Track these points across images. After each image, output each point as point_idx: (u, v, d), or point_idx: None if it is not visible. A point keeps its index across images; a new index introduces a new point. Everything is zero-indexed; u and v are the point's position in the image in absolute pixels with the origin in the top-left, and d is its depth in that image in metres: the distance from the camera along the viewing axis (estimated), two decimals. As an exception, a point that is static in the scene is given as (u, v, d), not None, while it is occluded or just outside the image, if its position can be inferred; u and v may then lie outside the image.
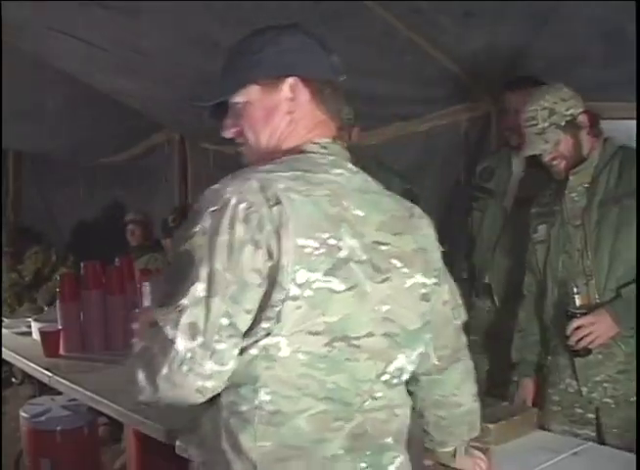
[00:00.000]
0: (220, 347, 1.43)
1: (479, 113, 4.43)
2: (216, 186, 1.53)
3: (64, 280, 4.01)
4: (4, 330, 4.48)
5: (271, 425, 1.51)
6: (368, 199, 1.63)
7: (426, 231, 1.75)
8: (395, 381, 1.66)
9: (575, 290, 2.79)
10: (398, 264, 1.63)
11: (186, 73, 4.36)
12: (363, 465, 1.60)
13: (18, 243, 7.14)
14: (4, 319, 4.82)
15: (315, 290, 1.48)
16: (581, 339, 2.76)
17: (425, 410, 1.97)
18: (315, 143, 1.68)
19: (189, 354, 1.42)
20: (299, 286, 1.46)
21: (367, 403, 1.60)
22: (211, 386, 1.46)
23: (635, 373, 2.76)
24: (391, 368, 1.63)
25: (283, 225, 1.46)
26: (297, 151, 1.67)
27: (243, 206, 1.46)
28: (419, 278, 1.68)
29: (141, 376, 1.46)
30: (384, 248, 1.61)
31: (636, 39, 3.01)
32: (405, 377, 1.69)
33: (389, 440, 1.65)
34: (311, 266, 1.47)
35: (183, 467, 2.31)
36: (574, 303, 2.79)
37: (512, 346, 3.19)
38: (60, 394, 3.90)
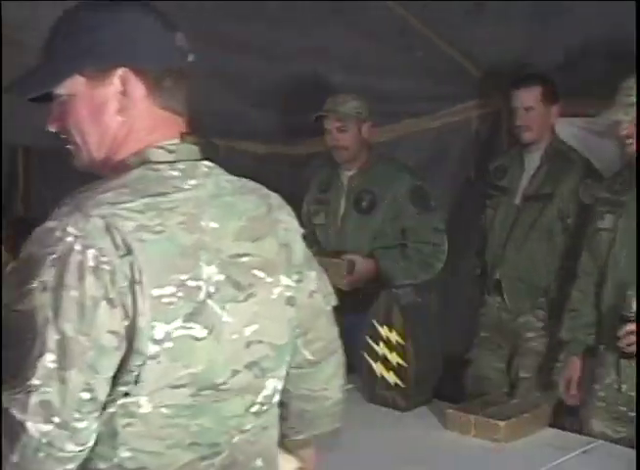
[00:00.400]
0: (81, 425, 1.22)
1: (489, 109, 4.45)
2: (50, 224, 1.26)
3: None
4: None
5: None
6: (222, 204, 1.41)
7: (287, 224, 1.54)
8: (266, 407, 1.49)
9: (632, 293, 2.74)
10: (261, 275, 1.44)
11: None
12: None
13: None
14: None
15: (175, 340, 1.28)
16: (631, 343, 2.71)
17: (290, 402, 1.76)
18: (159, 147, 1.39)
19: (44, 439, 1.20)
20: (158, 342, 1.26)
21: (235, 439, 1.43)
22: (73, 467, 1.25)
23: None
24: (260, 398, 1.47)
25: (136, 280, 1.24)
26: (139, 159, 1.38)
27: (91, 253, 1.22)
28: (283, 281, 1.49)
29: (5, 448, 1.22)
30: (244, 260, 1.42)
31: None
32: (277, 398, 1.54)
33: (259, 462, 1.50)
34: (169, 317, 1.27)
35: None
36: (630, 306, 2.73)
37: (562, 325, 3.16)
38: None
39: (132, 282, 1.23)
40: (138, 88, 1.40)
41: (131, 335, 1.24)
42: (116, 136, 1.41)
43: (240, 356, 1.40)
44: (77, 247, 1.21)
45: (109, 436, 1.29)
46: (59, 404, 1.19)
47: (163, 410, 1.30)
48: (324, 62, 4.00)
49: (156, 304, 1.25)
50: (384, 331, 2.93)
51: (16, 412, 1.19)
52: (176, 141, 1.41)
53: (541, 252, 3.52)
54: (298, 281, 1.55)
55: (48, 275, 1.20)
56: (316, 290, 1.65)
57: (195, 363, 1.31)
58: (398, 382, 2.90)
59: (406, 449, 2.55)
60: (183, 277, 1.29)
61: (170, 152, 1.39)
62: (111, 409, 1.28)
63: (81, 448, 1.24)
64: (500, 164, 3.79)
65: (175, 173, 1.37)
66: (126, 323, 1.24)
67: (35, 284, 1.20)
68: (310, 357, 1.72)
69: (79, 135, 1.42)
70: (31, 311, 1.20)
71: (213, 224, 1.37)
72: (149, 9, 1.42)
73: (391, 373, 2.91)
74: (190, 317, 1.29)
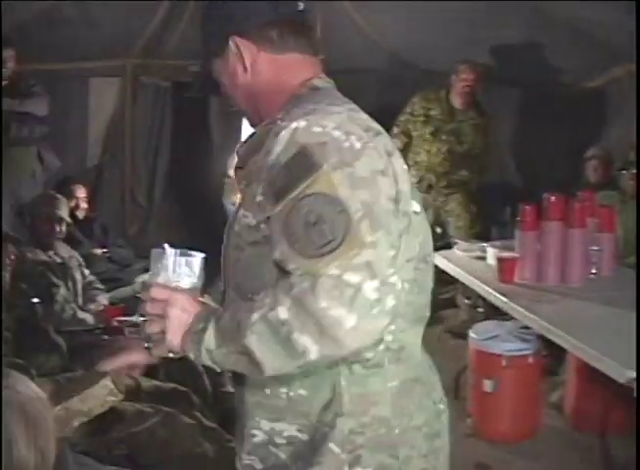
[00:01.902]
0: (393, 280, 1.37)
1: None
2: (316, 129, 1.43)
3: (525, 210, 3.96)
4: (460, 253, 4.63)
5: (400, 362, 1.54)
6: None
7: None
8: None
9: None
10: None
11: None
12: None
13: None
14: (459, 242, 5.01)
15: (411, 214, 1.49)
16: None
17: None
18: (318, 78, 1.65)
19: (375, 295, 1.34)
20: (411, 213, 1.49)
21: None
22: (387, 323, 1.39)
23: None
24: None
25: (392, 152, 1.47)
26: (308, 88, 1.62)
27: (353, 137, 1.42)
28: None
29: (305, 339, 1.35)
30: None
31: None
32: None
33: None
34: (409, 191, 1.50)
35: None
36: None
37: None
38: (507, 319, 4.08)
39: (390, 153, 1.46)
40: (249, 48, 1.62)
41: (399, 199, 1.43)
42: (260, 91, 1.64)
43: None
44: (342, 137, 1.41)
45: None
46: (377, 263, 1.35)
47: (406, 285, 1.46)
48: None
49: (403, 175, 1.47)
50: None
51: (350, 274, 1.33)
52: (323, 76, 1.65)
53: None
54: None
55: (334, 159, 1.39)
56: None
57: (418, 235, 1.54)
58: None
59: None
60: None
61: (327, 82, 1.65)
62: None
63: (394, 304, 1.37)
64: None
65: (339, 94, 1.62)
66: (396, 188, 1.44)
67: (324, 167, 1.39)
68: None
69: (236, 101, 1.70)
70: (331, 192, 1.38)
71: None
72: None
73: None
74: (411, 195, 1.50)
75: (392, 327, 1.47)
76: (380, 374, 1.52)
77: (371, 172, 1.40)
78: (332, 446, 1.52)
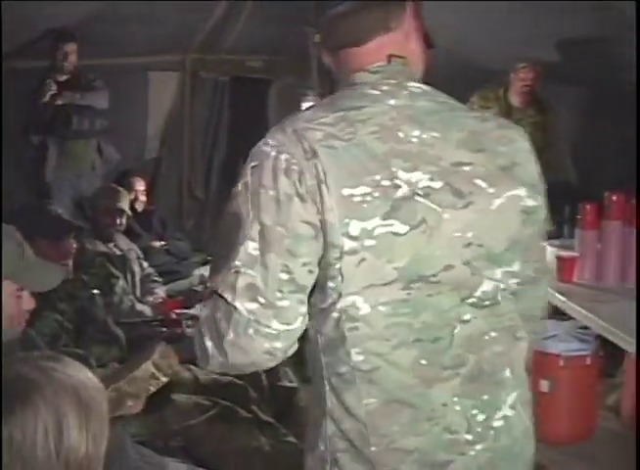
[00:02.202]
0: (283, 304, 1.41)
1: None
2: (260, 142, 1.49)
3: (586, 209, 3.90)
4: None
5: (373, 383, 1.47)
6: (441, 118, 1.52)
7: (518, 144, 1.60)
8: (488, 302, 1.53)
9: None
10: (483, 185, 1.51)
11: None
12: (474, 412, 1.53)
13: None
14: None
15: (377, 237, 1.42)
16: None
17: None
18: (364, 70, 1.57)
19: (252, 317, 1.40)
20: (356, 238, 1.41)
21: (457, 329, 1.50)
22: (281, 346, 1.43)
23: None
24: (478, 293, 1.52)
25: (322, 180, 1.41)
26: (346, 84, 1.59)
27: (283, 157, 1.43)
28: (515, 191, 1.55)
29: (209, 343, 1.45)
30: (465, 169, 1.50)
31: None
32: (499, 297, 1.55)
33: (507, 372, 1.57)
34: (365, 215, 1.42)
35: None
36: None
37: None
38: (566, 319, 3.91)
39: (319, 181, 1.40)
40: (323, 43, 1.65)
41: (325, 229, 1.41)
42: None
43: (454, 254, 1.48)
44: (273, 154, 1.43)
45: (340, 341, 1.46)
46: (262, 286, 1.39)
47: (382, 308, 1.44)
48: None
49: (346, 202, 1.41)
50: None
51: (227, 295, 1.40)
52: (382, 63, 1.56)
53: None
54: (530, 197, 1.58)
55: (248, 178, 1.44)
56: (544, 218, 1.66)
57: (398, 258, 1.43)
58: None
59: None
60: (377, 177, 1.42)
61: (373, 73, 1.55)
62: (334, 315, 1.45)
63: (286, 328, 1.41)
64: None
65: (374, 92, 1.53)
66: (319, 217, 1.41)
67: (240, 187, 1.45)
68: (532, 274, 1.66)
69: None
70: (237, 209, 1.44)
71: (429, 135, 1.49)
72: None
73: None
74: (389, 215, 1.42)
75: (361, 348, 1.45)
76: (352, 391, 1.48)
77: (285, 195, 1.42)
78: (319, 441, 1.54)
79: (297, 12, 5.16)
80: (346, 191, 1.41)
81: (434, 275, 1.46)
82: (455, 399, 1.51)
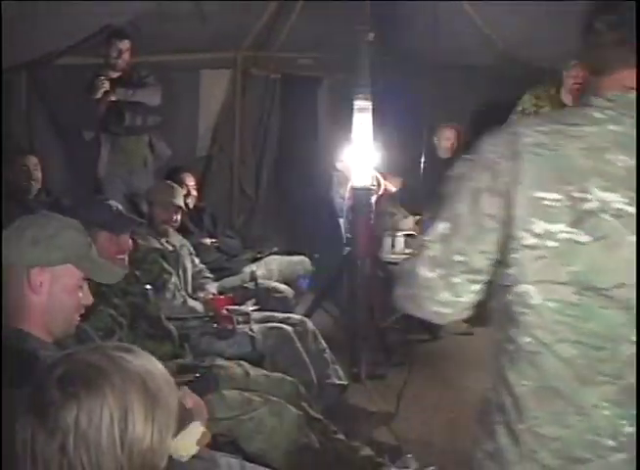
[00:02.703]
0: (455, 280, 1.63)
1: None
2: (484, 137, 1.67)
3: None
4: None
5: (533, 366, 1.62)
6: None
7: None
8: None
9: None
10: None
11: None
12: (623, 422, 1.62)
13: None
14: None
15: (560, 241, 1.56)
16: None
17: None
18: (600, 96, 1.66)
19: (427, 283, 1.64)
20: (538, 236, 1.57)
21: (623, 347, 1.60)
22: (448, 312, 1.67)
23: None
24: None
25: (519, 179, 1.57)
26: (583, 102, 1.68)
27: (491, 157, 1.62)
28: None
29: (399, 291, 1.74)
30: None
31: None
32: None
33: None
34: (551, 218, 1.56)
35: None
36: None
37: None
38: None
39: (515, 180, 1.57)
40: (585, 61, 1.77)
41: (509, 222, 1.59)
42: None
43: (628, 275, 1.57)
44: (485, 151, 1.64)
45: (508, 320, 1.66)
46: (441, 261, 1.64)
47: (551, 304, 1.59)
48: None
49: (536, 203, 1.57)
50: None
51: (416, 259, 1.68)
52: (618, 93, 1.65)
53: None
54: None
55: (461, 169, 1.68)
56: None
57: (575, 264, 1.57)
58: None
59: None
60: (569, 188, 1.56)
61: (609, 100, 1.64)
62: (508, 297, 1.64)
63: (455, 299, 1.64)
64: None
65: (600, 115, 1.62)
66: (505, 212, 1.59)
67: (455, 173, 1.68)
68: None
69: None
70: (447, 192, 1.68)
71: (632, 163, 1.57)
72: None
73: None
74: (574, 223, 1.55)
75: (529, 332, 1.62)
76: (514, 370, 1.65)
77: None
78: (483, 414, 1.75)
79: (347, 10, 5.16)
80: (539, 193, 1.56)
81: (606, 289, 1.57)
82: (605, 404, 1.61)
